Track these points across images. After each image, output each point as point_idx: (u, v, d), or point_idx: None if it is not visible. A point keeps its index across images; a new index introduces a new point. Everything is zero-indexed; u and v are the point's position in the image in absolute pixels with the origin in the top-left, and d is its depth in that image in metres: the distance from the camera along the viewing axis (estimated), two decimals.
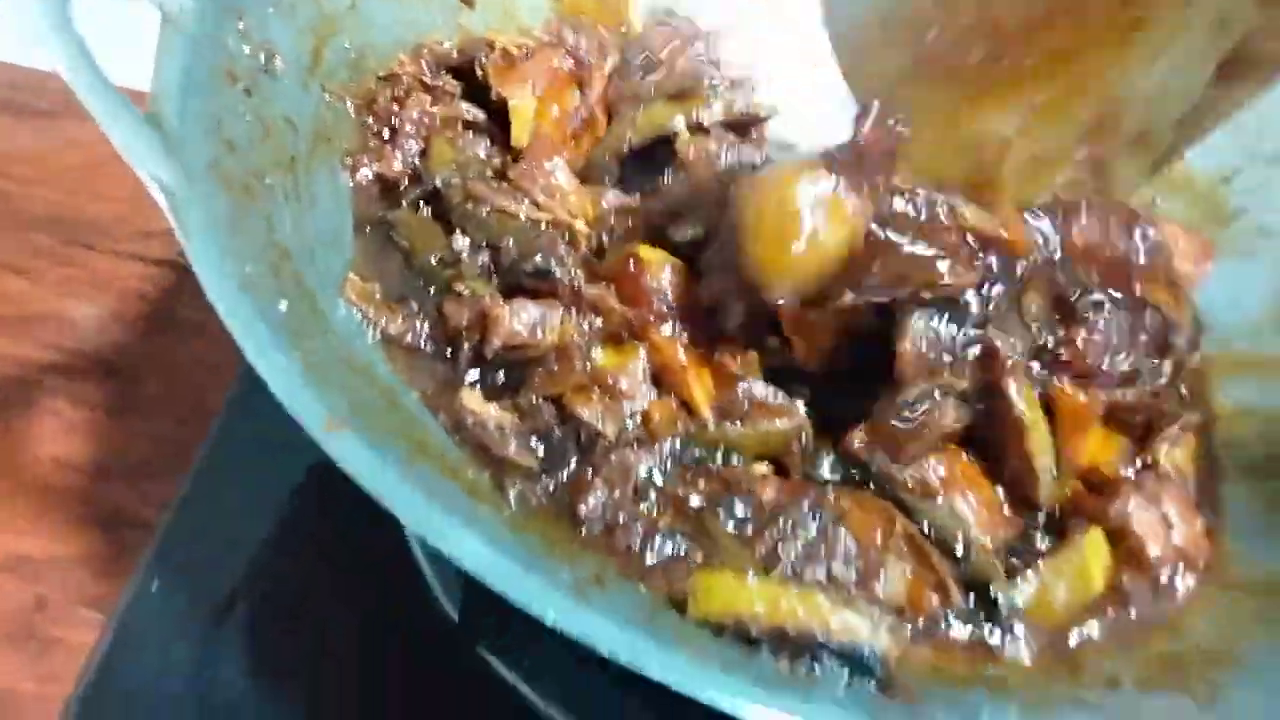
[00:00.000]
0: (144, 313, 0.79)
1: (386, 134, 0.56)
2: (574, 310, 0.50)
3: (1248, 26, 0.51)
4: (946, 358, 0.52)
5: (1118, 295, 0.57)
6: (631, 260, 0.52)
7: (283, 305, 0.42)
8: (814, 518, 0.51)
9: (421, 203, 0.56)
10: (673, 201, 0.53)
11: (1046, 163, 0.57)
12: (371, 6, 0.58)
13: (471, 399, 0.48)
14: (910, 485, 0.54)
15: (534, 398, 0.49)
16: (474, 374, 0.50)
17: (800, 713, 0.36)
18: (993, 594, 0.53)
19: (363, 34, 0.57)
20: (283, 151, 0.50)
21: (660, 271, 0.51)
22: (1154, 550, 0.57)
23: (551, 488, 0.48)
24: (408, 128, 0.55)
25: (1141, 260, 0.58)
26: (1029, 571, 0.54)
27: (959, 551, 0.53)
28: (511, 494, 0.46)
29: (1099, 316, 0.56)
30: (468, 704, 0.59)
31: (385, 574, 0.61)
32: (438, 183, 0.54)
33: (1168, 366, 0.63)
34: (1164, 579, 0.57)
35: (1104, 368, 0.57)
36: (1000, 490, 0.56)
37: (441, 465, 0.43)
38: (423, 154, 0.56)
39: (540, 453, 0.48)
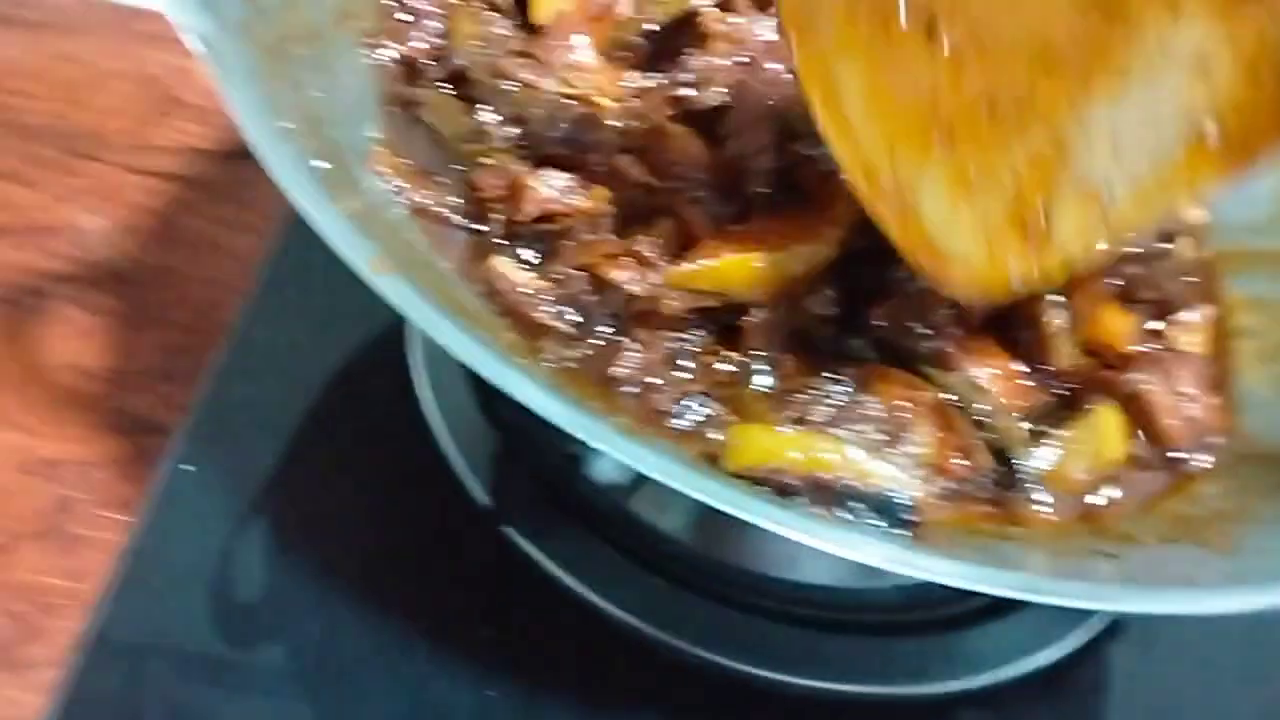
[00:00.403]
0: (151, 225, 0.79)
1: (407, 15, 0.56)
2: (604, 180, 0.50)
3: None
4: None
5: None
6: (656, 133, 0.52)
7: (325, 165, 0.42)
8: (839, 384, 0.51)
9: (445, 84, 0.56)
10: (696, 74, 0.53)
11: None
12: None
13: (503, 264, 0.48)
14: (929, 356, 0.55)
15: (566, 267, 0.49)
16: (505, 244, 0.50)
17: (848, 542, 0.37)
18: (1013, 460, 0.54)
19: None
20: (307, 24, 0.50)
21: (685, 143, 0.52)
22: (1169, 420, 0.58)
23: (586, 353, 0.48)
24: (427, 5, 0.55)
25: None
26: (1047, 441, 0.55)
27: (981, 420, 0.54)
28: (546, 356, 0.47)
29: None
30: (497, 589, 0.60)
31: (411, 466, 0.62)
32: (461, 60, 0.54)
33: (1177, 251, 0.65)
34: (1180, 449, 0.58)
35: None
36: (1019, 365, 0.58)
37: (479, 324, 0.44)
38: (443, 35, 0.56)
39: (573, 317, 0.48)
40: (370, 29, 0.55)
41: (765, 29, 0.55)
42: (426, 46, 0.57)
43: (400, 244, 0.45)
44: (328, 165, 0.43)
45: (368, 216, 0.44)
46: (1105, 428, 0.57)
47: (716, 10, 0.55)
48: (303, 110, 0.45)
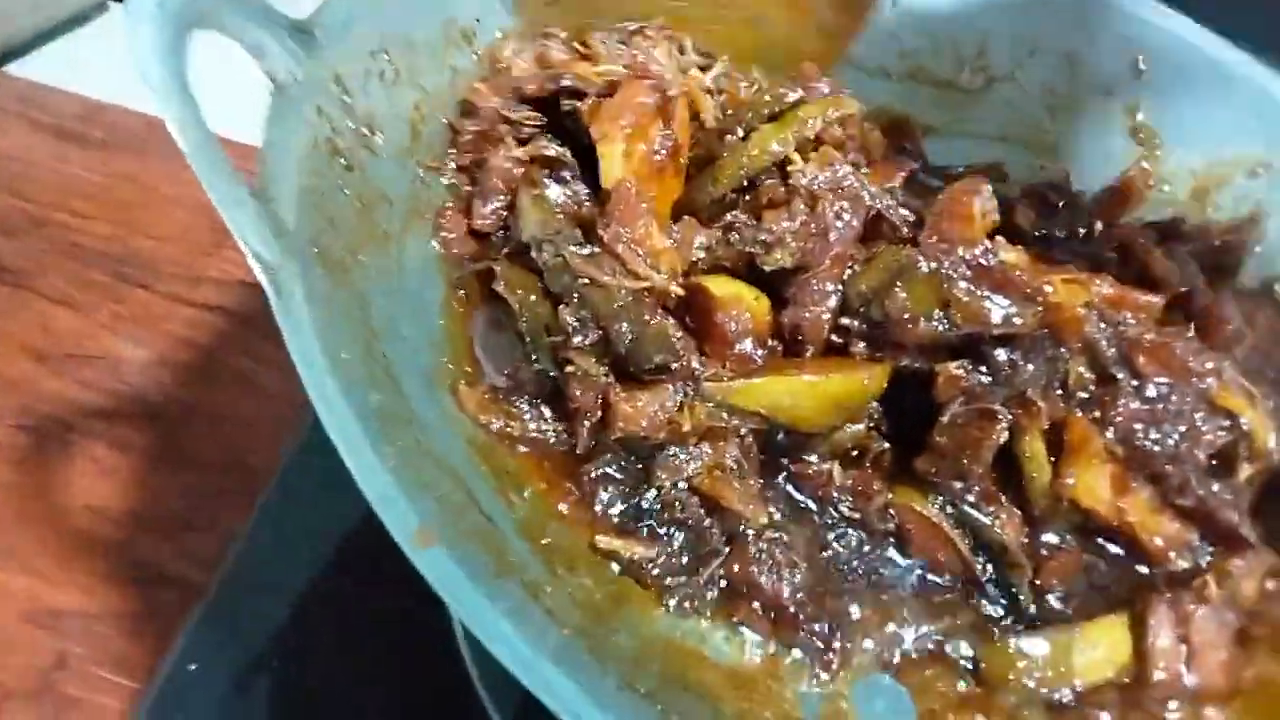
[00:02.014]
0: (191, 359, 0.77)
1: (473, 185, 0.55)
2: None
3: None
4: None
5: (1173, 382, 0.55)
6: (704, 294, 0.51)
7: (375, 396, 0.40)
8: None
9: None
10: (774, 232, 0.52)
11: None
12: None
13: (607, 541, 0.47)
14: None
15: (667, 486, 0.48)
16: (604, 502, 0.49)
17: None
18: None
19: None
20: (377, 227, 0.48)
21: (736, 307, 0.51)
22: (1158, 674, 0.55)
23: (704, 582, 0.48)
24: (494, 180, 0.54)
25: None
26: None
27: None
28: (671, 604, 0.47)
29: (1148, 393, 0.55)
30: None
31: (427, 663, 0.58)
32: (527, 239, 0.53)
33: (1239, 481, 0.60)
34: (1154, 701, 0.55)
35: (1141, 439, 0.54)
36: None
37: (522, 581, 0.41)
38: (510, 206, 0.55)
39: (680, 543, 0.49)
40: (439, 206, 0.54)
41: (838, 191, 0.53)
42: (491, 220, 0.55)
43: (444, 477, 0.43)
44: (382, 396, 0.41)
45: (415, 448, 0.42)
46: (1111, 640, 0.55)
47: (800, 163, 0.54)
48: (364, 330, 0.43)
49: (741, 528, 0.50)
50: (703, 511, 0.49)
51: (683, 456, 0.49)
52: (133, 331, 0.78)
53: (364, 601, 0.62)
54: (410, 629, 0.59)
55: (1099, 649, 0.57)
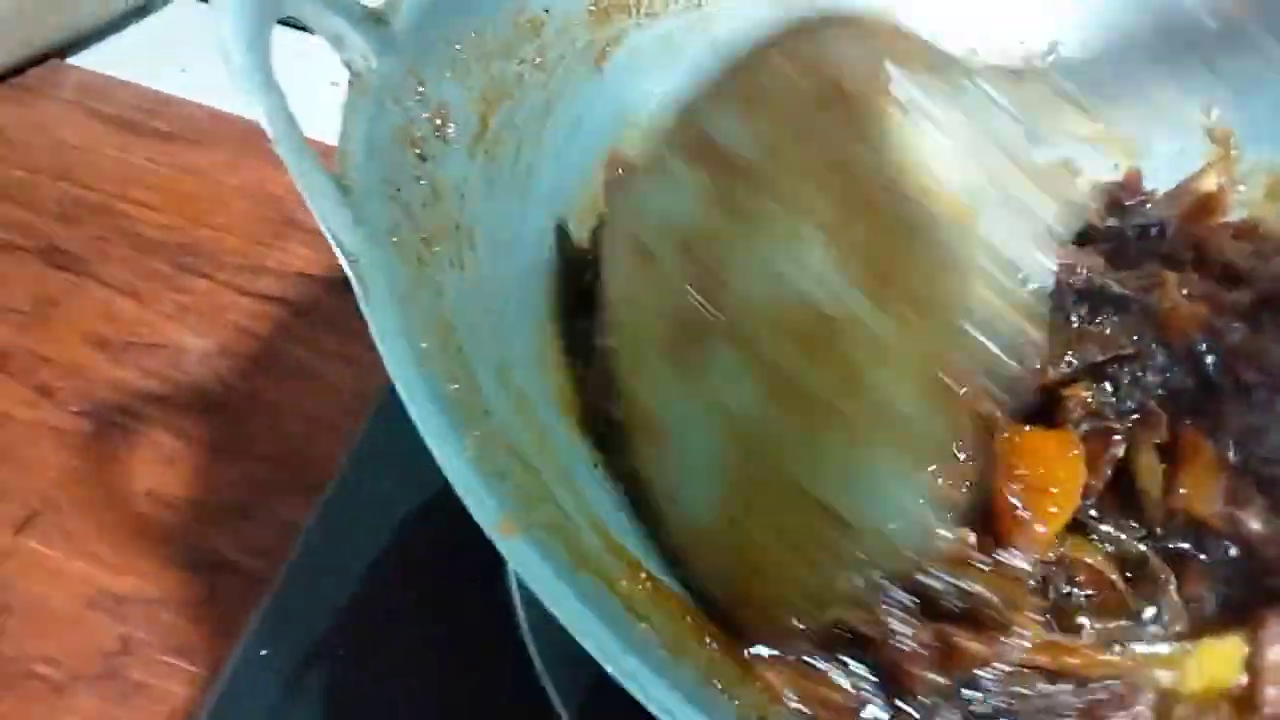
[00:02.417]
0: (251, 350, 0.78)
1: None
2: None
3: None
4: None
5: None
6: None
7: (454, 386, 0.40)
8: None
9: None
10: None
11: None
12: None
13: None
14: None
15: None
16: None
17: None
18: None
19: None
20: (449, 218, 0.48)
21: None
22: (1270, 691, 0.53)
23: None
24: None
25: None
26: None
27: None
28: None
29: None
30: None
31: (491, 653, 0.58)
32: None
33: None
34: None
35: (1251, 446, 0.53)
36: None
37: (597, 574, 0.41)
38: None
39: None
40: None
41: None
42: None
43: (521, 469, 0.42)
44: (459, 385, 0.41)
45: (493, 438, 0.42)
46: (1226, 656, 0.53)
47: None
48: (440, 320, 0.43)
49: None
50: None
51: None
52: (194, 322, 0.79)
53: (427, 591, 0.62)
54: (474, 619, 0.59)
55: (1215, 664, 0.55)
